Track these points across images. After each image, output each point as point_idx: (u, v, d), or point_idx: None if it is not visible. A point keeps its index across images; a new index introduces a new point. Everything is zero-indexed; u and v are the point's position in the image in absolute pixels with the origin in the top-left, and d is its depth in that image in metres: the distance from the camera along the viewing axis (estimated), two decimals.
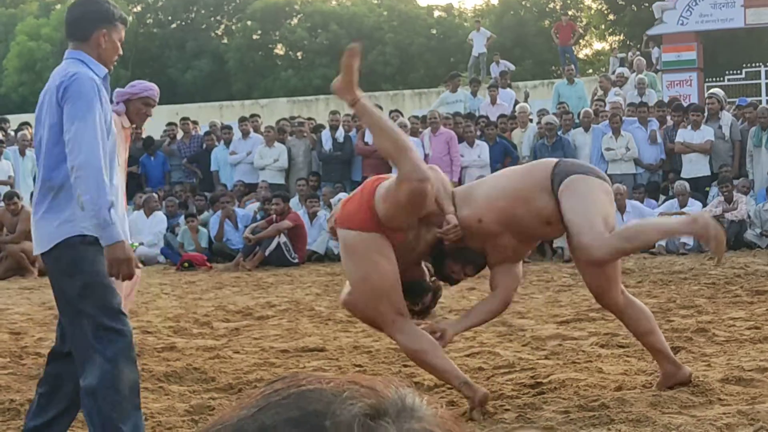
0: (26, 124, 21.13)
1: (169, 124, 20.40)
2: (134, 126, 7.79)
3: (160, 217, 16.77)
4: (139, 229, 15.87)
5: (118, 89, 7.77)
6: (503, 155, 17.43)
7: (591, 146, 16.99)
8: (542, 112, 18.46)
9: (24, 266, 14.85)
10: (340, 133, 17.93)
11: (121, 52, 5.27)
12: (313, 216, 16.15)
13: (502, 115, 18.88)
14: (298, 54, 46.07)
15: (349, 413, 0.83)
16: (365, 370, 6.96)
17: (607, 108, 18.17)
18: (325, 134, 18.09)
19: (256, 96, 37.24)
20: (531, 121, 18.39)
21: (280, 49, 47.11)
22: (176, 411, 5.94)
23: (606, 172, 16.74)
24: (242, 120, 19.43)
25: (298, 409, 0.84)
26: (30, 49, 40.65)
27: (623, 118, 17.18)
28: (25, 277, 14.62)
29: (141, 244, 15.21)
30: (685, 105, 18.17)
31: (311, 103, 29.87)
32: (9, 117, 22.25)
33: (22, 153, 18.08)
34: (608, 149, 16.83)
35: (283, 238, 15.04)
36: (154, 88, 7.74)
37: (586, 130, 17.17)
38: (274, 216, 15.39)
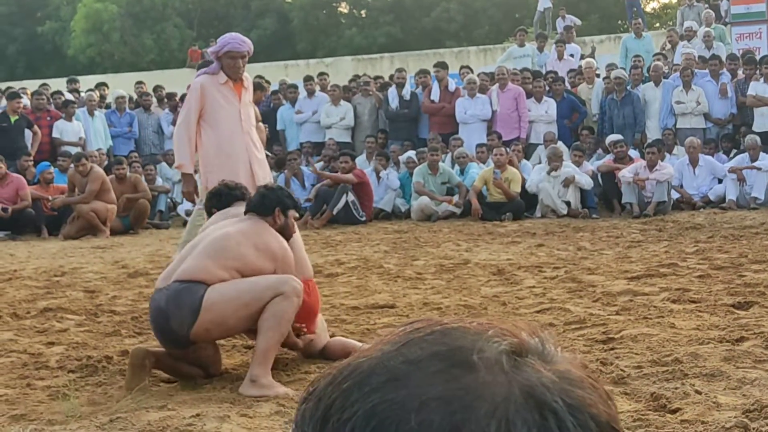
0: (103, 84, 21.40)
1: None
2: (234, 79, 7.82)
3: None
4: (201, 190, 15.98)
5: (209, 48, 7.91)
6: (570, 111, 17.32)
7: (661, 100, 16.79)
8: (611, 67, 18.27)
9: (95, 225, 15.06)
10: (407, 91, 17.90)
11: None
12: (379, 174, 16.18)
13: (571, 70, 18.72)
14: (362, 12, 45.96)
15: (496, 350, 0.85)
16: None
17: (679, 61, 17.93)
18: (392, 92, 18.06)
19: (321, 55, 37.24)
20: (598, 76, 18.21)
21: (344, 8, 47.02)
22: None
23: (675, 126, 16.60)
24: (308, 79, 19.45)
25: (443, 345, 0.85)
26: (97, 10, 40.94)
27: (695, 71, 16.93)
28: (98, 237, 14.82)
29: None
30: (756, 58, 17.86)
31: (376, 61, 29.81)
32: (78, 78, 22.47)
33: (91, 113, 18.30)
34: (678, 102, 16.62)
35: (350, 197, 15.09)
36: (234, 40, 7.78)
37: (657, 84, 16.96)
38: (339, 174, 15.44)
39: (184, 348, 5.63)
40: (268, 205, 5.86)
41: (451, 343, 0.86)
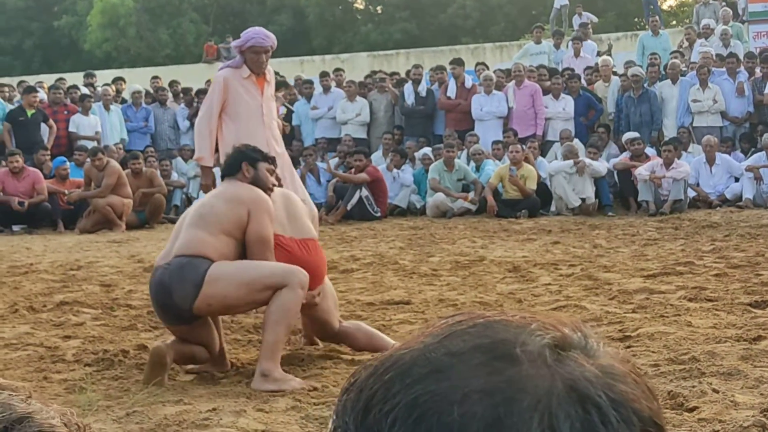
0: (120, 79, 21.45)
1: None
2: (257, 73, 7.86)
3: None
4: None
5: (233, 42, 7.96)
6: (587, 108, 17.28)
7: (678, 98, 16.74)
8: (629, 64, 18.22)
9: (111, 219, 15.09)
10: (423, 87, 17.88)
11: None
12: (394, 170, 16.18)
13: (587, 67, 18.68)
14: (378, 8, 45.94)
15: (539, 343, 0.85)
16: None
17: (696, 59, 17.87)
18: (408, 88, 18.04)
19: (336, 51, 37.23)
20: (615, 74, 18.17)
21: (359, 4, 47.01)
22: None
23: (692, 124, 16.54)
24: (323, 75, 19.46)
25: (486, 337, 0.85)
26: (113, 5, 41.00)
27: (712, 69, 16.87)
28: (113, 231, 14.85)
29: None
30: None
31: (391, 57, 29.78)
32: (95, 72, 22.53)
33: (107, 108, 18.35)
34: (695, 101, 16.57)
35: (365, 192, 15.09)
36: (258, 35, 7.80)
37: (674, 82, 16.92)
38: (354, 171, 15.45)
39: (187, 323, 5.66)
40: (233, 163, 5.98)
41: (494, 335, 0.86)
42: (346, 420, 0.87)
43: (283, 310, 5.48)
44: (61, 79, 21.30)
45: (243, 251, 5.72)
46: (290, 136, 18.62)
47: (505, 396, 0.81)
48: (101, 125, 17.94)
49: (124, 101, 19.61)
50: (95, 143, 17.12)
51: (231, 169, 5.98)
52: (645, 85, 16.80)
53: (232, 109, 7.88)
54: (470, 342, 0.85)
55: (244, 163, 5.93)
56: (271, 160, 6.12)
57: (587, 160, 14.92)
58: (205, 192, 8.37)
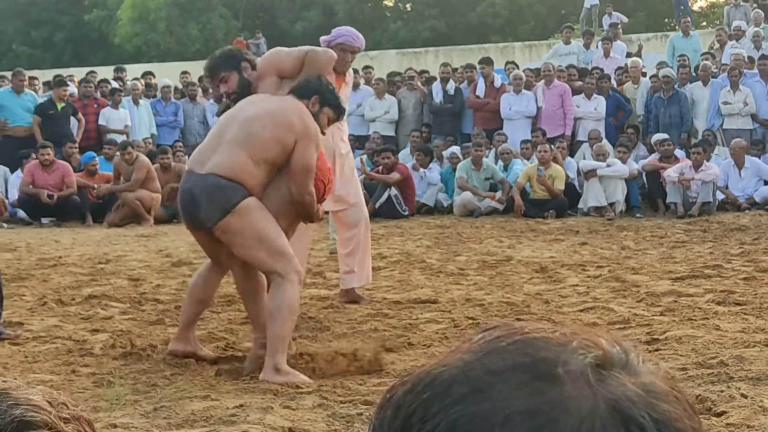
0: (149, 73, 21.54)
1: None
2: (339, 72, 7.78)
3: None
4: None
5: (322, 37, 7.95)
6: (616, 108, 17.21)
7: (709, 100, 16.64)
8: (661, 65, 18.14)
9: (140, 214, 15.15)
10: (451, 86, 17.85)
11: None
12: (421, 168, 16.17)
13: (618, 68, 18.61)
14: (407, 6, 45.89)
15: (581, 362, 0.83)
16: (478, 322, 6.97)
17: (727, 61, 17.76)
18: (436, 86, 18.01)
19: (365, 48, 37.20)
20: (644, 75, 18.09)
21: (389, 1, 46.99)
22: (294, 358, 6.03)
23: (722, 126, 16.44)
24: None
25: (527, 356, 0.83)
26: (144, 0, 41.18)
27: (743, 71, 16.75)
28: (142, 225, 14.91)
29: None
30: None
31: (420, 55, 29.74)
32: (125, 66, 22.61)
33: (136, 102, 18.41)
34: (725, 103, 16.46)
35: (393, 191, 15.08)
36: (349, 34, 7.84)
37: (705, 83, 16.82)
38: (381, 169, 15.43)
39: (208, 234, 5.86)
40: (308, 88, 5.99)
41: (535, 354, 0.84)
42: None
43: (288, 306, 5.64)
44: (92, 72, 21.39)
45: (279, 176, 5.85)
46: None
47: (548, 418, 0.79)
48: (130, 119, 18.01)
49: (153, 96, 19.67)
50: (124, 137, 17.20)
51: (302, 92, 5.98)
52: (675, 86, 16.71)
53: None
54: (510, 360, 0.83)
55: (316, 96, 5.95)
56: (340, 114, 6.16)
57: (600, 168, 14.83)
58: None
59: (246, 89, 6.26)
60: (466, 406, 0.81)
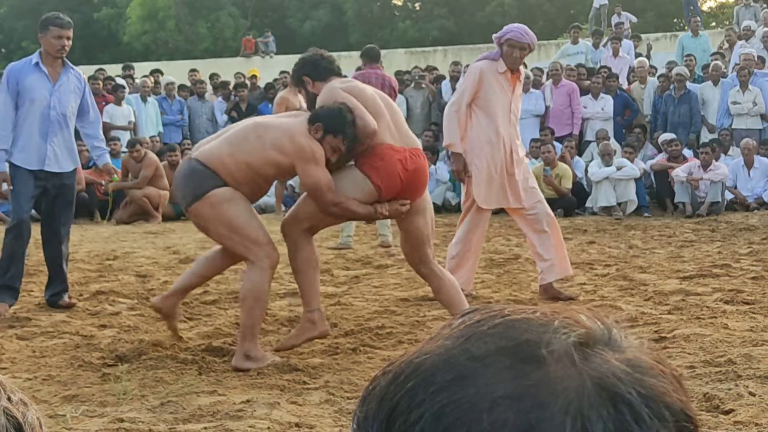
0: (158, 71, 21.55)
1: (282, 72, 20.54)
2: (512, 69, 7.77)
3: None
4: None
5: (494, 34, 7.88)
6: (623, 108, 17.19)
7: (719, 100, 16.60)
8: (671, 64, 18.12)
9: (148, 211, 15.18)
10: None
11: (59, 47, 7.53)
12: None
13: (630, 68, 18.61)
14: (416, 5, 45.89)
15: (564, 342, 0.82)
16: None
17: (736, 61, 17.72)
18: (446, 85, 17.99)
19: None
20: (653, 74, 18.06)
21: (398, 0, 46.99)
22: (305, 353, 6.03)
23: (731, 126, 16.40)
24: (359, 70, 19.42)
25: (509, 339, 0.82)
26: None
27: (753, 71, 16.71)
28: (150, 222, 14.93)
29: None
30: None
31: (429, 54, 29.73)
32: (133, 64, 22.63)
33: (144, 99, 18.43)
34: (734, 103, 16.43)
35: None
36: (517, 29, 7.72)
37: (715, 84, 16.79)
38: None
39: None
40: (317, 115, 5.95)
41: (517, 336, 0.82)
42: (368, 430, 0.85)
43: (253, 294, 5.80)
44: (100, 69, 21.42)
45: (261, 182, 5.94)
46: None
47: (535, 401, 0.78)
48: (137, 116, 18.01)
49: (159, 93, 19.70)
50: (129, 133, 17.21)
51: (311, 117, 5.94)
52: (687, 84, 16.69)
53: (482, 101, 7.82)
54: (492, 344, 0.82)
55: (319, 124, 5.87)
56: (352, 145, 5.97)
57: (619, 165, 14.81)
58: (457, 178, 8.39)
59: (311, 104, 6.19)
60: (452, 393, 0.80)
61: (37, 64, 7.60)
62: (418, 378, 0.83)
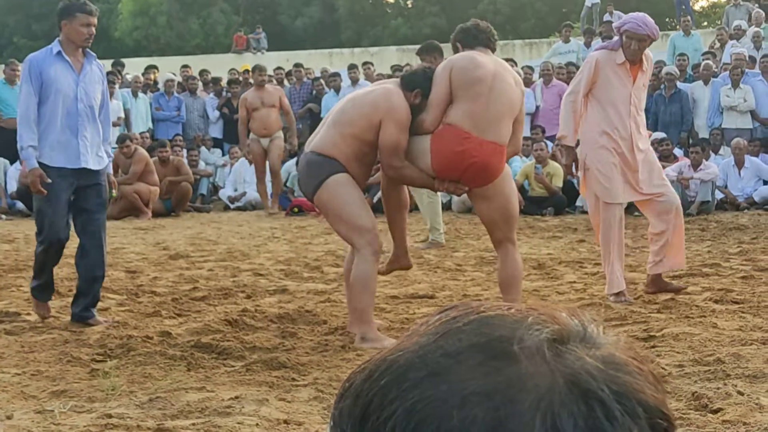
0: (153, 67, 21.52)
1: (277, 69, 20.53)
2: (631, 60, 7.57)
3: None
4: (245, 176, 16.01)
5: (615, 23, 7.76)
6: None
7: (710, 99, 16.62)
8: (660, 64, 18.14)
9: (137, 207, 15.16)
10: None
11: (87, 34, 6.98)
12: None
13: None
14: (408, 2, 45.88)
15: (536, 338, 0.81)
16: None
17: (727, 60, 17.75)
18: None
19: (366, 44, 37.19)
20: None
21: None
22: (294, 350, 6.02)
23: (721, 125, 16.42)
24: (351, 67, 19.45)
25: (483, 335, 0.81)
26: None
27: (745, 70, 16.73)
28: (140, 218, 14.92)
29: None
30: None
31: None
32: (123, 60, 22.60)
33: (135, 95, 18.39)
34: (726, 96, 16.44)
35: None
36: (635, 20, 7.52)
37: (706, 83, 16.81)
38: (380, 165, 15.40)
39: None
40: (413, 81, 6.35)
41: (490, 333, 0.82)
42: (343, 428, 0.85)
43: (361, 281, 6.23)
44: None
45: (370, 151, 6.32)
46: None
47: (506, 397, 0.78)
48: (128, 112, 17.97)
49: (156, 89, 19.67)
50: (118, 129, 17.17)
51: (407, 84, 6.34)
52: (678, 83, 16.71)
53: (599, 92, 7.58)
54: (466, 341, 0.82)
55: (418, 90, 6.27)
56: None
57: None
58: (567, 172, 8.25)
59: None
60: (424, 390, 0.80)
61: (59, 53, 7.00)
62: (392, 375, 0.83)
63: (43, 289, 7.16)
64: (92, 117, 7.03)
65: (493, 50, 6.57)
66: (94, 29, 7.06)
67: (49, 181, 6.80)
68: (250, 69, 21.84)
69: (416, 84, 6.31)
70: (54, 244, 6.99)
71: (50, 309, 7.18)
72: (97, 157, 7.04)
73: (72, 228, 7.16)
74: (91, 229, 7.07)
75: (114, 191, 7.98)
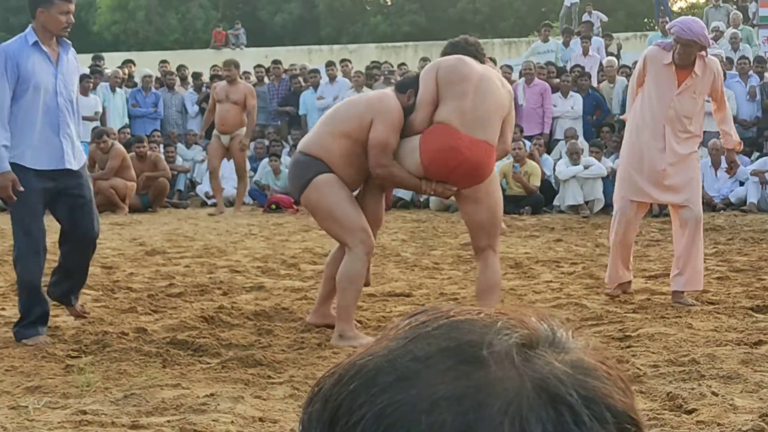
0: (130, 62, 21.43)
1: (257, 66, 20.50)
2: (678, 64, 7.41)
3: None
4: (221, 172, 15.92)
5: (666, 26, 7.64)
6: (594, 107, 17.24)
7: None
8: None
9: (114, 202, 15.10)
10: None
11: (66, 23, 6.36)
12: None
13: (600, 65, 18.67)
14: (388, 0, 45.89)
15: (506, 343, 0.81)
16: None
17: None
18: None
19: (345, 41, 37.18)
20: (624, 74, 18.11)
21: None
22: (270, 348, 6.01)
23: None
24: (329, 64, 19.42)
25: (452, 340, 0.81)
26: None
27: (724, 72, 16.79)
28: (116, 213, 14.86)
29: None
30: None
31: (400, 49, 29.74)
32: (102, 54, 22.51)
33: (113, 90, 18.32)
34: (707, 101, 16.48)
35: None
36: (682, 24, 7.38)
37: None
38: None
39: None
40: (404, 83, 6.54)
41: (460, 337, 0.82)
42: None
43: (348, 278, 6.22)
44: None
45: (361, 152, 6.30)
46: (295, 125, 18.63)
47: (475, 402, 0.78)
48: (105, 107, 17.89)
49: (134, 85, 19.58)
50: (96, 123, 17.09)
51: (400, 87, 6.50)
52: None
53: (646, 87, 7.53)
54: (435, 345, 0.82)
55: (411, 90, 6.37)
56: None
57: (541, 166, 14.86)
58: None
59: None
60: (393, 394, 0.80)
61: (36, 44, 6.30)
62: (361, 379, 0.82)
63: (37, 324, 6.40)
64: (72, 112, 6.48)
65: (482, 63, 6.58)
66: (72, 17, 6.45)
67: (22, 189, 6.18)
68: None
69: (409, 85, 6.42)
70: (34, 254, 6.45)
71: (48, 339, 6.34)
72: (79, 154, 6.57)
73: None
74: (86, 230, 6.70)
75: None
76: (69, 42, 6.55)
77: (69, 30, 6.43)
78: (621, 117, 8.13)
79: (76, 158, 6.47)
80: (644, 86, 7.59)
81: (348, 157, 6.30)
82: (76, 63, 6.69)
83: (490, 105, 6.27)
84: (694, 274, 7.40)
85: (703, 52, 7.38)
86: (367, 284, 6.93)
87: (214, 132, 14.88)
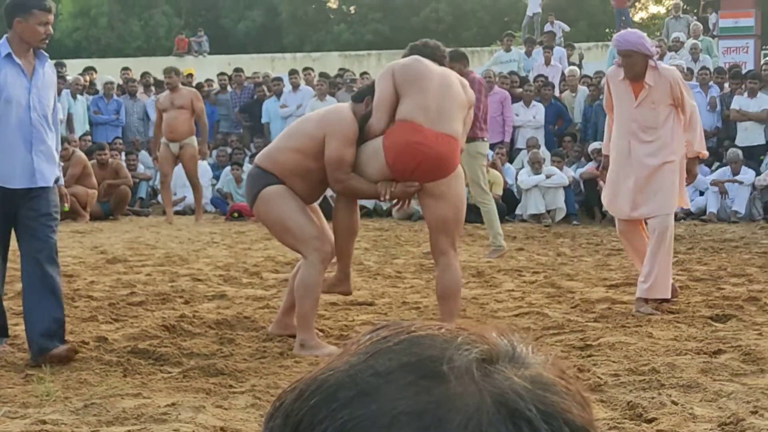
0: (91, 69, 21.33)
1: (220, 74, 20.45)
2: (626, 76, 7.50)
3: (204, 168, 16.69)
4: (184, 180, 15.84)
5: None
6: (556, 117, 17.33)
7: None
8: (600, 74, 18.31)
9: (75, 210, 15.00)
10: None
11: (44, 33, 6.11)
12: None
13: (562, 75, 18.76)
14: (351, 8, 45.89)
15: (466, 358, 0.82)
16: None
17: None
18: None
19: (308, 49, 37.13)
20: (587, 84, 18.22)
21: (333, 3, 46.94)
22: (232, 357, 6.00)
23: None
24: (293, 72, 19.40)
25: (413, 355, 0.82)
26: None
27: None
28: (77, 221, 14.76)
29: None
30: (743, 72, 17.91)
31: (363, 57, 29.75)
32: (64, 61, 22.39)
33: (74, 96, 18.22)
34: None
35: (329, 192, 15.01)
36: (617, 37, 7.65)
37: None
38: None
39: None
40: (360, 93, 6.66)
41: (421, 352, 0.83)
42: None
43: (304, 286, 6.25)
44: None
45: (316, 168, 6.33)
46: (257, 132, 18.59)
47: (435, 417, 0.78)
48: (68, 113, 17.79)
49: (96, 92, 19.48)
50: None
51: (356, 98, 6.57)
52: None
53: (615, 107, 7.65)
54: (396, 361, 0.82)
55: (368, 97, 6.41)
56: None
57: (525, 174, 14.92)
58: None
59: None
60: (353, 410, 0.80)
61: (9, 55, 6.04)
62: (322, 394, 0.83)
63: None
64: (47, 127, 6.13)
65: (441, 65, 6.59)
66: (51, 28, 6.18)
67: None
68: (193, 73, 21.76)
69: (365, 94, 6.49)
70: None
71: (6, 348, 6.26)
72: (51, 170, 6.17)
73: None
74: (41, 247, 6.23)
75: (66, 205, 6.94)
76: (46, 54, 6.28)
77: (47, 42, 6.18)
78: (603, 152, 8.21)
79: (46, 176, 6.12)
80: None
81: (298, 170, 6.33)
82: (54, 76, 6.41)
83: (452, 101, 6.30)
84: (658, 281, 7.44)
85: (652, 62, 7.42)
86: (347, 293, 7.04)
87: (163, 140, 14.43)
